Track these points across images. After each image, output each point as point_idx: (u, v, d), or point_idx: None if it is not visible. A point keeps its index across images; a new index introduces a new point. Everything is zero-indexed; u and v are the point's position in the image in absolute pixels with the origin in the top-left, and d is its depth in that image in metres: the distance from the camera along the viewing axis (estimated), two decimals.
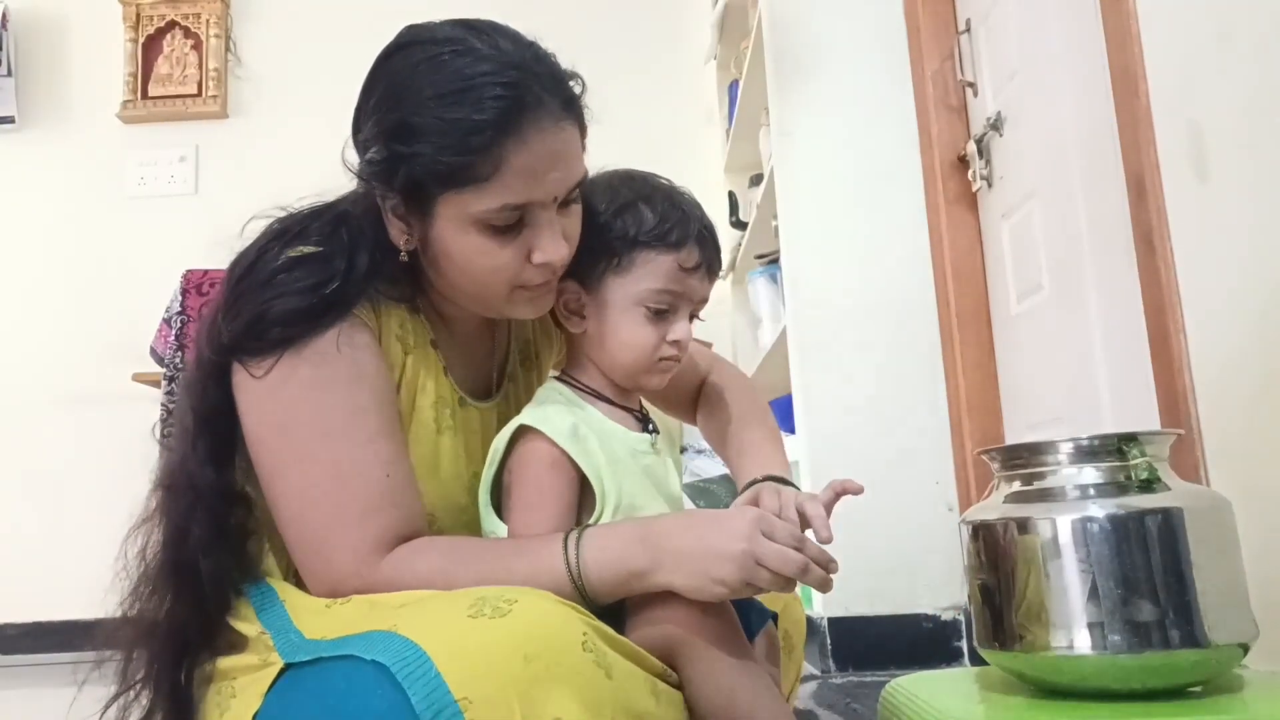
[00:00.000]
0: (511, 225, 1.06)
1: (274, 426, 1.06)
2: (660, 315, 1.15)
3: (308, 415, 1.05)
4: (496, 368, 1.30)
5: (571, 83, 1.10)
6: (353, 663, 0.84)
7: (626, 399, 1.21)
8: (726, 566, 0.97)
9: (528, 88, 1.03)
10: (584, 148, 1.12)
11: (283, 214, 1.17)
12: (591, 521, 1.09)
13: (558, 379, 1.22)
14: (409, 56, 1.06)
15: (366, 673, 0.82)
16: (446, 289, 1.15)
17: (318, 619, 0.98)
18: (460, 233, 1.06)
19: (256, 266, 1.09)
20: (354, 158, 1.11)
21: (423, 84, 1.03)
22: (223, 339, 1.06)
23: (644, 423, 1.22)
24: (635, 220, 1.14)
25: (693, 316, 1.19)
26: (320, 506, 1.04)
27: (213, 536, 1.06)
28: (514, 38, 1.07)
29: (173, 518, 1.09)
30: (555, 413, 1.13)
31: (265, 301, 1.06)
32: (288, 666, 0.94)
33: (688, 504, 1.19)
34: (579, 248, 1.13)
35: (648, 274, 1.14)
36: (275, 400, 1.05)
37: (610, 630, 0.94)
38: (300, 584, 1.07)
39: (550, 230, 1.07)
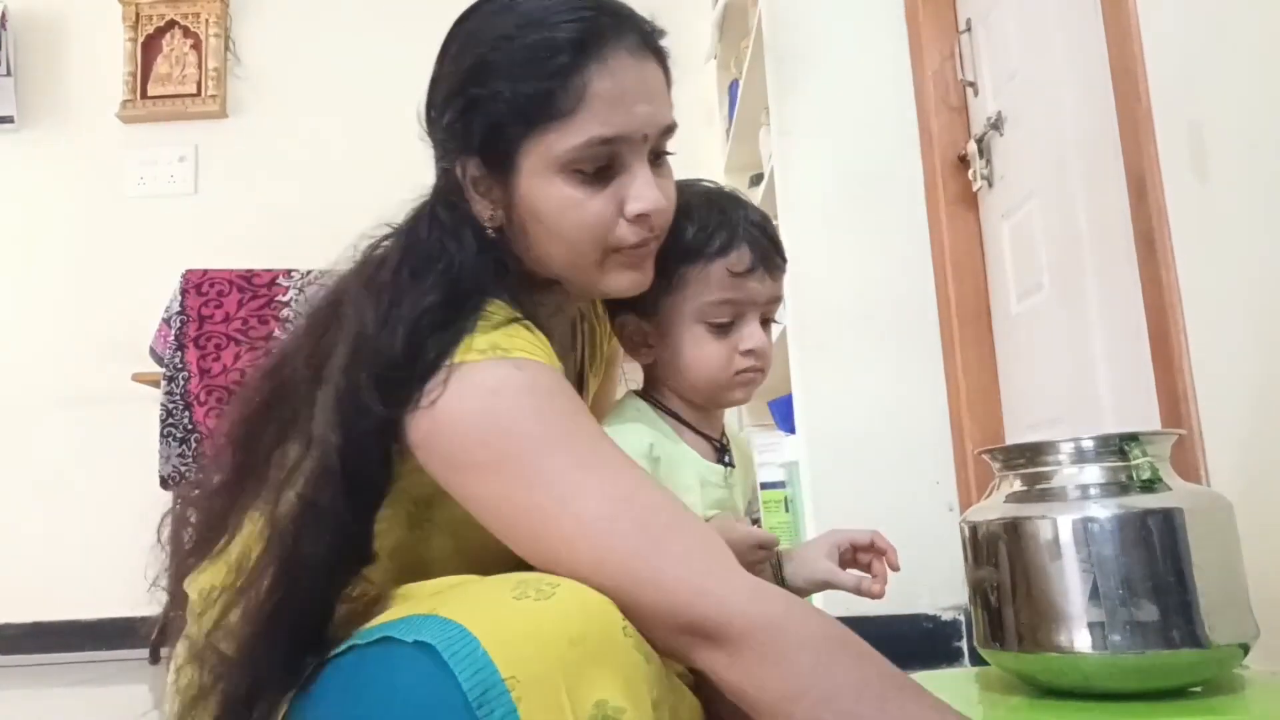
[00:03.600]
0: (601, 171, 0.98)
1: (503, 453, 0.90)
2: (725, 327, 1.09)
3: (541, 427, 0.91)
4: (575, 378, 1.23)
5: (653, 29, 1.05)
6: (393, 645, 0.82)
7: (707, 425, 1.16)
8: None
9: (608, 13, 0.98)
10: (670, 98, 1.04)
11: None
12: None
13: (639, 394, 1.17)
14: (481, 9, 1.03)
15: (410, 654, 0.80)
16: (535, 262, 1.04)
17: (350, 625, 0.92)
18: (546, 183, 0.98)
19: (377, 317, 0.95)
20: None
21: (498, 23, 0.99)
22: (383, 397, 0.92)
23: (721, 453, 1.17)
24: (673, 235, 1.07)
25: (767, 320, 1.14)
26: (639, 526, 0.87)
27: (328, 589, 0.93)
28: None
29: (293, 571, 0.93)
30: (634, 430, 1.09)
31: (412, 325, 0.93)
32: (324, 661, 0.92)
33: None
34: None
35: (699, 288, 1.08)
36: (488, 423, 0.90)
37: None
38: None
39: (645, 177, 0.99)
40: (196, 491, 1.09)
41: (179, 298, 3.22)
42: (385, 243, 1.04)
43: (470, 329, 0.94)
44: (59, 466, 3.79)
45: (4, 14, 4.04)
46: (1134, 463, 0.96)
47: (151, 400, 3.26)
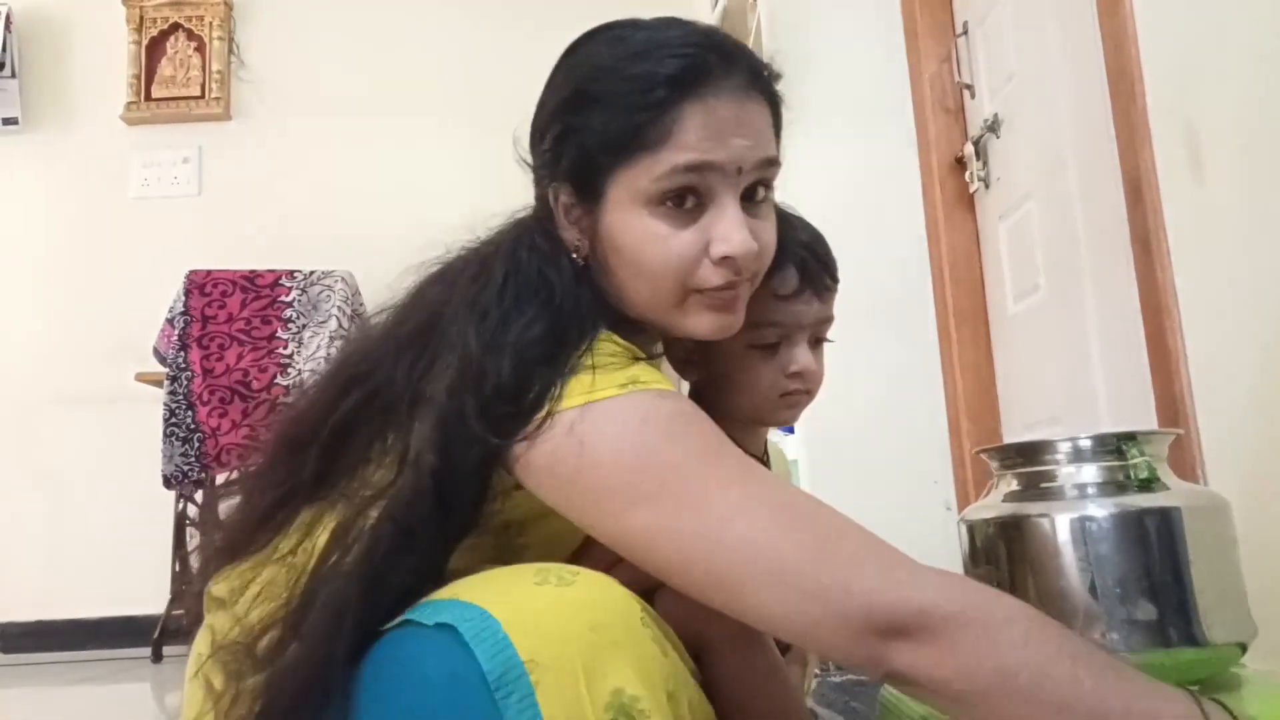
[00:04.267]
0: (687, 204, 0.95)
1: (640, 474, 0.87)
2: (772, 348, 1.08)
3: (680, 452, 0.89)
4: None
5: (766, 73, 1.03)
6: (415, 628, 0.83)
7: (749, 441, 1.14)
8: None
9: (715, 50, 0.96)
10: (777, 137, 1.02)
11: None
12: None
13: None
14: (593, 39, 1.02)
15: (431, 636, 0.81)
16: (618, 300, 1.01)
17: None
18: (631, 216, 0.95)
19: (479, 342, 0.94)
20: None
21: (605, 54, 0.98)
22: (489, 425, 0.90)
23: None
24: None
25: (819, 340, 1.12)
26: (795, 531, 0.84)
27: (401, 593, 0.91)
28: (707, 26, 1.02)
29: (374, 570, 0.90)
30: None
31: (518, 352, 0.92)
32: None
33: None
34: None
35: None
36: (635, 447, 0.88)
37: (660, 618, 0.90)
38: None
39: (734, 216, 0.95)
40: (243, 486, 1.07)
41: (182, 298, 3.24)
42: (488, 263, 1.01)
43: (593, 364, 0.91)
44: (62, 466, 3.79)
45: (8, 16, 4.04)
46: (1131, 462, 0.96)
47: (155, 400, 3.27)
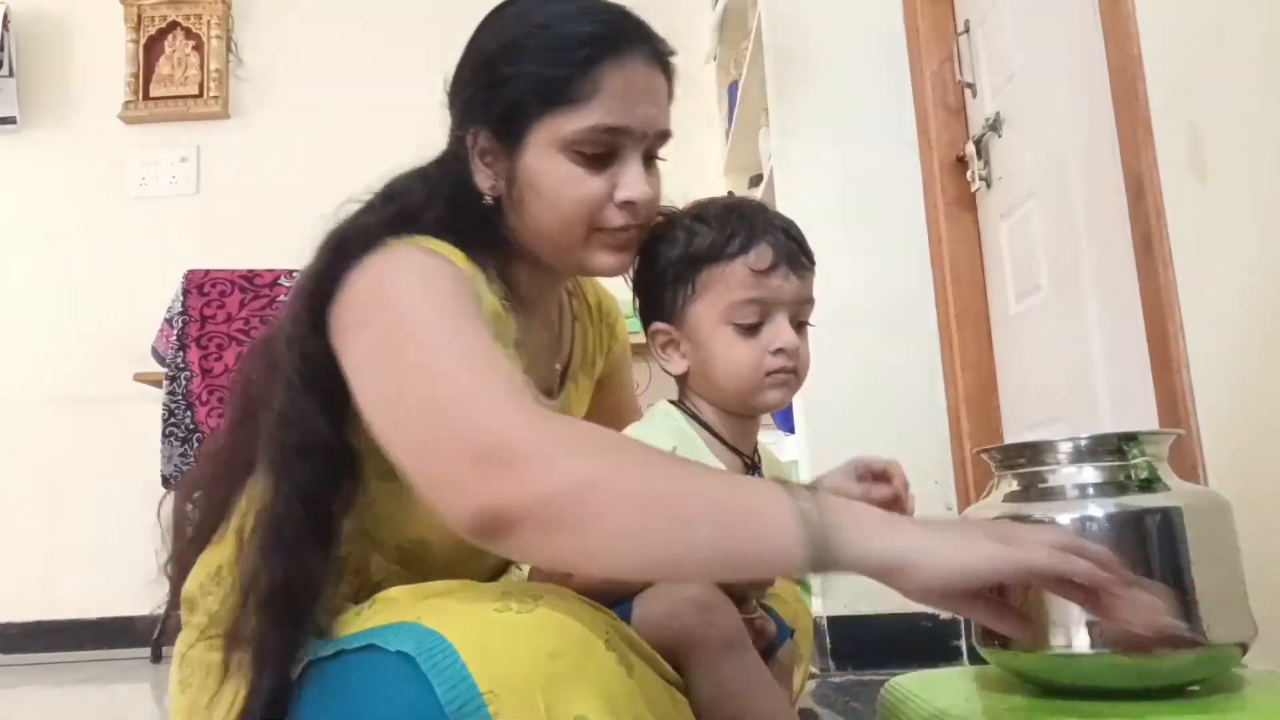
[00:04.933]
0: (601, 156, 1.07)
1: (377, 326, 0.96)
2: (754, 328, 1.10)
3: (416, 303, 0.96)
4: (561, 363, 1.26)
5: (663, 48, 1.13)
6: (376, 653, 0.84)
7: (740, 439, 1.15)
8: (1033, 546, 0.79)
9: (628, 21, 1.09)
10: (669, 110, 1.14)
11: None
12: None
13: (674, 404, 1.16)
14: (514, 5, 1.12)
15: (391, 663, 0.82)
16: (526, 235, 1.11)
17: (345, 622, 0.95)
18: (550, 160, 1.06)
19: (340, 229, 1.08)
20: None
21: (535, 13, 1.09)
22: (311, 290, 1.01)
23: (751, 470, 1.16)
24: (693, 240, 1.11)
25: (801, 323, 1.14)
26: (451, 376, 0.89)
27: (337, 494, 0.99)
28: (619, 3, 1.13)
29: (293, 481, 0.98)
30: (659, 431, 1.09)
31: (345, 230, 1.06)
32: (312, 662, 0.93)
33: None
34: (654, 292, 1.15)
35: (722, 289, 1.09)
36: (376, 303, 0.97)
37: (630, 631, 0.91)
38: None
39: (637, 170, 1.08)
40: (195, 486, 1.14)
41: (181, 298, 3.23)
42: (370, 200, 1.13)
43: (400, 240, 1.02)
44: (61, 466, 3.80)
45: (6, 15, 4.04)
46: (1132, 462, 0.96)
47: (154, 400, 3.27)
